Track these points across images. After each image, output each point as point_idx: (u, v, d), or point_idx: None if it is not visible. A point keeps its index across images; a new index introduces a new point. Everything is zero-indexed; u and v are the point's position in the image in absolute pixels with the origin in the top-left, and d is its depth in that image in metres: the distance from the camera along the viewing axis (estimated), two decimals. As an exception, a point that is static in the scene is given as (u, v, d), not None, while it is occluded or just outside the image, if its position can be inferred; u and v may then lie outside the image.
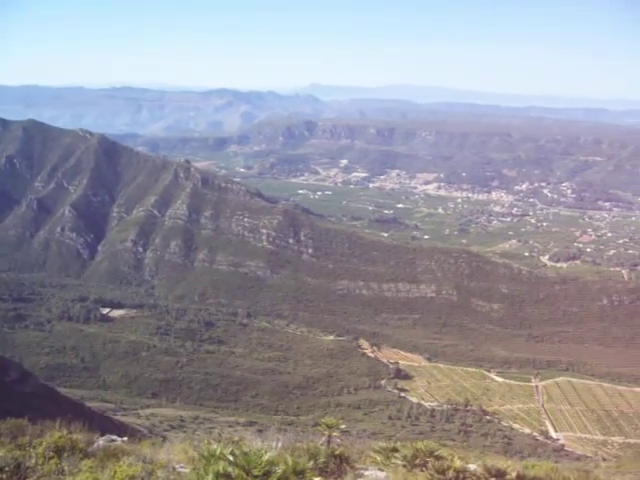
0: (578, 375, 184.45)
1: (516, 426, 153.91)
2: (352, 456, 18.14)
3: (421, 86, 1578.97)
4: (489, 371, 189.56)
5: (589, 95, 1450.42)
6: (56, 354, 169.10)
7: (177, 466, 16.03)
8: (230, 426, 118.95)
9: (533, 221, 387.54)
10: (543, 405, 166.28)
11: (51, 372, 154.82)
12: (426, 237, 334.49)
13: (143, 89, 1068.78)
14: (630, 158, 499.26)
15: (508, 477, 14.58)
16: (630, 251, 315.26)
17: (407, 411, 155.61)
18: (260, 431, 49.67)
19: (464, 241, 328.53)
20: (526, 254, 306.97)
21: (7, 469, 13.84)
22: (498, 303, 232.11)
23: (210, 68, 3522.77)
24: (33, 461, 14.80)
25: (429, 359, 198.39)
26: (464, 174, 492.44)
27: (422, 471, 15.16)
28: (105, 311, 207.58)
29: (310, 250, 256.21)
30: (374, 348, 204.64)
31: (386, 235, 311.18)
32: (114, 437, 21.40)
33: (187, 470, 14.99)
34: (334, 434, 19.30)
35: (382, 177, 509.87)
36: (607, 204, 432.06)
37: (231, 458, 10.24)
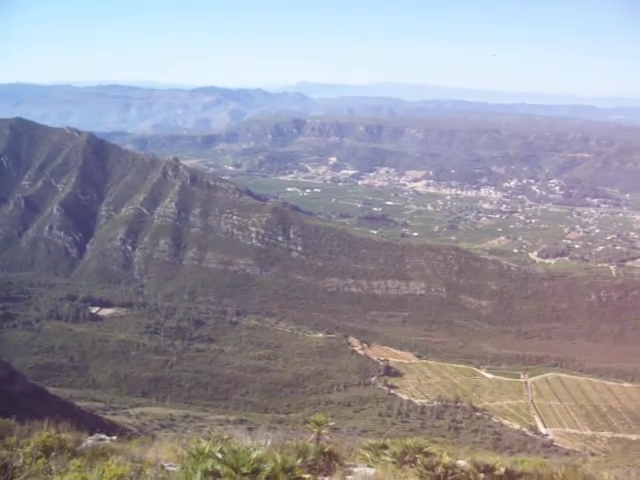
0: (567, 371, 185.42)
1: (506, 422, 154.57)
2: (341, 453, 18.16)
3: (410, 84, 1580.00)
4: (479, 368, 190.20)
5: (577, 92, 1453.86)
6: (45, 353, 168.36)
7: (166, 465, 15.99)
8: (220, 424, 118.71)
9: (522, 218, 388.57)
10: (532, 401, 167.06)
11: (40, 372, 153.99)
12: (415, 234, 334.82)
13: (131, 87, 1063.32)
14: (618, 155, 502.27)
15: (497, 473, 14.62)
16: (618, 247, 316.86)
17: (397, 408, 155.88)
18: (250, 429, 49.64)
19: (453, 238, 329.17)
20: (515, 251, 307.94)
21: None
22: (487, 300, 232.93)
23: (199, 66, 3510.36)
24: (21, 461, 14.72)
25: (419, 356, 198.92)
26: (453, 171, 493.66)
27: (411, 467, 15.19)
28: (94, 310, 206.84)
29: (299, 248, 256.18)
30: (364, 345, 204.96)
31: (375, 232, 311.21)
32: (103, 436, 21.38)
33: (176, 469, 14.93)
34: (323, 431, 19.32)
35: (371, 174, 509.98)
36: (595, 200, 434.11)
37: (220, 456, 10.24)
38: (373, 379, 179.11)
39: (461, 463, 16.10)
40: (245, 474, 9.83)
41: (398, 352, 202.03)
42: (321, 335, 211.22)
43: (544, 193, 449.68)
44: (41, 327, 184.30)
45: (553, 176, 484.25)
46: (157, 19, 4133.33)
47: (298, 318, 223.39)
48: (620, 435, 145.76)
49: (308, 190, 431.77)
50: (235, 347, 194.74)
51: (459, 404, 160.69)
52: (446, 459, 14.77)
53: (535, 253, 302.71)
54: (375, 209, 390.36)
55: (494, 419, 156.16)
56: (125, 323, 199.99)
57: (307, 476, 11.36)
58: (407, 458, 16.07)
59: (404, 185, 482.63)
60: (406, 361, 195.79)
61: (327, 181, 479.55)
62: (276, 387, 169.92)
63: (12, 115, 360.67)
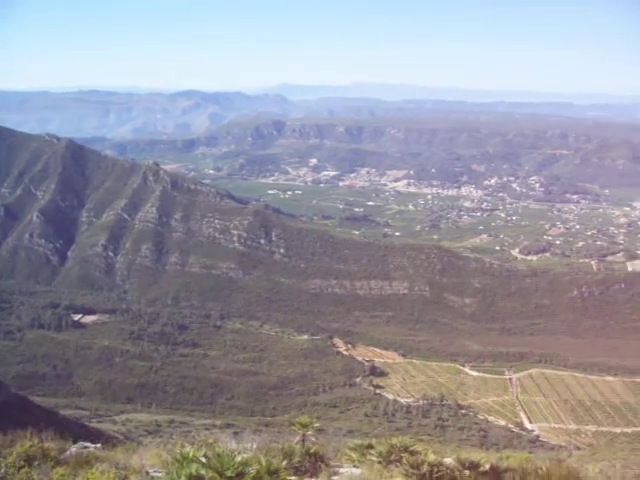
0: (551, 366, 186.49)
1: (491, 419, 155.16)
2: (327, 454, 18.15)
3: (389, 84, 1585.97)
4: (463, 365, 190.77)
5: (555, 90, 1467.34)
6: (27, 363, 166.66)
7: (151, 471, 15.91)
8: (206, 429, 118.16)
9: (503, 215, 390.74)
10: (517, 397, 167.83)
11: (23, 381, 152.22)
12: (397, 234, 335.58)
13: (110, 92, 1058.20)
14: (596, 151, 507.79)
15: (482, 469, 14.68)
16: (598, 242, 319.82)
17: (383, 408, 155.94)
18: (236, 433, 49.52)
19: (435, 237, 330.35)
20: (497, 248, 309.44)
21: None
22: (470, 298, 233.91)
23: (177, 70, 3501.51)
24: (3, 471, 14.60)
25: (404, 355, 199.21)
26: (433, 170, 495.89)
27: (397, 467, 15.20)
28: (77, 317, 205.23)
29: (282, 250, 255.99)
30: (348, 346, 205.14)
31: (357, 233, 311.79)
32: (87, 444, 21.20)
33: (161, 474, 14.86)
34: (309, 433, 19.30)
35: (352, 175, 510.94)
36: (575, 197, 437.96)
37: (204, 460, 10.20)
38: (358, 379, 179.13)
39: (447, 461, 16.13)
40: (230, 478, 9.82)
41: (383, 352, 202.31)
42: (305, 337, 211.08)
43: (524, 190, 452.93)
44: (23, 336, 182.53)
45: (533, 173, 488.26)
46: (135, 24, 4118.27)
47: (282, 320, 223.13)
48: (604, 429, 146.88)
49: (289, 192, 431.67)
50: (220, 351, 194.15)
51: (444, 402, 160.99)
52: (431, 457, 14.81)
53: (517, 250, 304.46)
54: (357, 210, 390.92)
55: (480, 416, 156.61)
56: (108, 330, 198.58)
57: (292, 478, 11.38)
58: (393, 457, 16.07)
59: (385, 185, 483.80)
60: (391, 361, 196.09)
61: (308, 183, 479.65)
62: (262, 390, 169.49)
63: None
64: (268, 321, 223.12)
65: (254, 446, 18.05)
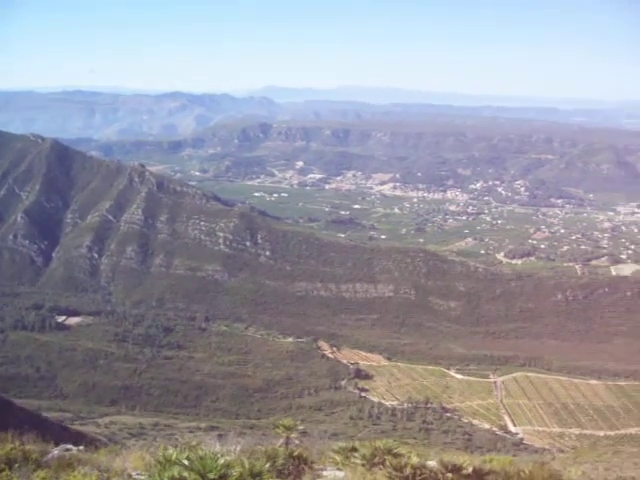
0: (535, 370, 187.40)
1: (476, 422, 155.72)
2: (311, 457, 18.13)
3: (376, 87, 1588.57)
4: (448, 369, 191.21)
5: (540, 95, 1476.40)
6: (10, 364, 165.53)
7: (133, 473, 15.85)
8: (191, 432, 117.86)
9: (488, 219, 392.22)
10: (502, 400, 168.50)
11: (5, 383, 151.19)
12: (383, 237, 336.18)
13: (96, 92, 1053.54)
14: (581, 156, 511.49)
15: (464, 472, 14.71)
16: (583, 247, 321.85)
17: (368, 411, 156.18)
18: (220, 436, 49.40)
19: (421, 240, 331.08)
20: (482, 252, 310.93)
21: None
22: (455, 301, 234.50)
23: (164, 71, 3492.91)
24: (-17, 474, 14.47)
25: (389, 358, 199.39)
26: (419, 174, 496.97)
27: (380, 469, 15.21)
28: (61, 319, 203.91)
29: (267, 252, 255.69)
30: (334, 349, 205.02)
31: (343, 236, 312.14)
32: (69, 446, 21.07)
33: (144, 477, 14.80)
34: (292, 435, 19.29)
35: (338, 178, 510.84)
36: (559, 201, 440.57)
37: (186, 463, 10.15)
38: (343, 382, 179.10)
39: (430, 463, 16.16)
40: (212, 480, 9.77)
41: (368, 355, 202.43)
42: (291, 340, 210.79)
43: (509, 194, 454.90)
44: (6, 337, 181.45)
45: (518, 177, 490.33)
46: (122, 24, 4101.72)
47: (267, 323, 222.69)
48: (588, 431, 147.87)
49: (275, 195, 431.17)
50: (205, 353, 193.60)
51: (429, 405, 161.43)
52: (414, 460, 14.84)
53: (502, 254, 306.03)
54: (343, 213, 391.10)
55: (464, 419, 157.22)
56: (93, 331, 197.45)
57: (275, 480, 11.33)
58: (376, 460, 16.11)
59: (371, 188, 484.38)
60: (376, 364, 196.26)
61: (294, 185, 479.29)
62: (246, 393, 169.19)
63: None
64: (253, 324, 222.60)
65: (238, 449, 17.98)
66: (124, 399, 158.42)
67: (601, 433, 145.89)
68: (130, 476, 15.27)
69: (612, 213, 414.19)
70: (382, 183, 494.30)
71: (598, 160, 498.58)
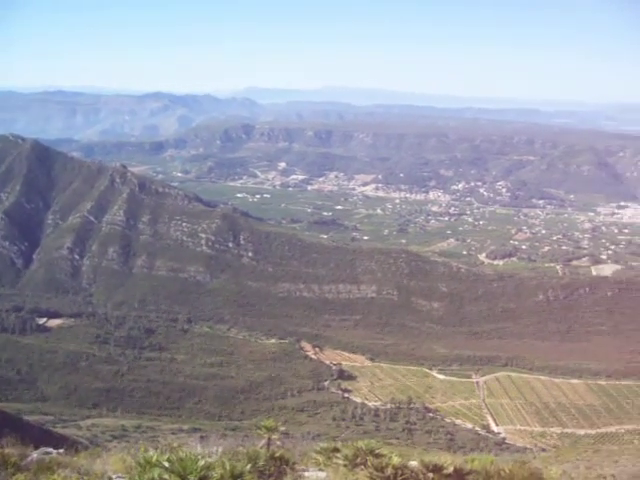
0: (517, 369, 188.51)
1: (458, 422, 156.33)
2: (293, 458, 18.13)
3: (359, 88, 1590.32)
4: (431, 369, 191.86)
5: (521, 97, 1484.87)
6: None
7: (114, 476, 15.77)
8: (173, 433, 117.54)
9: (470, 220, 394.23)
10: (484, 400, 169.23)
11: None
12: (365, 238, 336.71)
13: (77, 93, 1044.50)
14: (562, 157, 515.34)
15: (445, 472, 14.77)
16: (564, 247, 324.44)
17: (351, 411, 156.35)
18: (203, 437, 49.25)
19: (403, 241, 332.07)
20: (464, 252, 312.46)
21: None
22: (438, 301, 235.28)
23: (145, 71, 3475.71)
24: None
25: (372, 359, 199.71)
26: (402, 175, 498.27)
27: (362, 470, 15.24)
28: (42, 321, 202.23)
29: (250, 253, 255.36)
30: (316, 350, 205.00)
31: (326, 237, 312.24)
32: (49, 450, 20.89)
33: (124, 479, 14.73)
34: (274, 437, 19.27)
35: (320, 179, 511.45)
36: (541, 202, 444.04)
37: (167, 465, 10.12)
38: (326, 383, 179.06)
39: (412, 464, 16.21)
40: (192, 482, 9.75)
41: (351, 355, 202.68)
42: (274, 341, 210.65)
43: (491, 195, 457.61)
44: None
45: (500, 178, 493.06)
46: (102, 22, 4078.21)
47: (250, 324, 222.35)
48: (569, 430, 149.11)
49: (258, 196, 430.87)
50: (187, 355, 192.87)
51: (412, 406, 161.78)
52: (395, 460, 14.88)
53: (484, 254, 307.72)
54: (325, 214, 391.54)
55: (447, 419, 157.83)
56: (74, 333, 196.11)
57: (256, 482, 11.32)
58: (358, 460, 16.13)
59: (353, 189, 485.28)
60: (359, 364, 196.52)
61: (277, 186, 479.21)
62: (229, 394, 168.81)
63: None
64: (236, 325, 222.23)
65: (220, 450, 17.96)
66: (106, 401, 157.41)
67: (582, 432, 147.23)
68: (110, 479, 15.20)
69: (592, 214, 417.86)
70: (364, 184, 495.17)
71: (579, 161, 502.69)
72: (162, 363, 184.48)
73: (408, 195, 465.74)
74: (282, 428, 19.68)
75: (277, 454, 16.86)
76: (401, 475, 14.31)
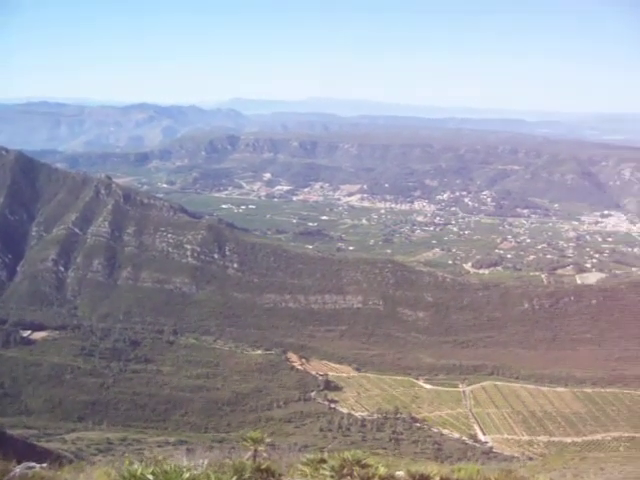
0: (503, 378, 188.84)
1: (445, 431, 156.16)
2: (280, 469, 18.00)
3: (343, 99, 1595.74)
4: (417, 379, 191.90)
5: (507, 107, 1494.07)
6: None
7: (98, 489, 15.59)
8: (159, 446, 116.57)
9: (455, 229, 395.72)
10: (471, 409, 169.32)
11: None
12: (351, 248, 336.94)
13: (61, 104, 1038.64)
14: (546, 166, 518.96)
15: (432, 481, 14.74)
16: (548, 256, 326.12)
17: (338, 422, 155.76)
18: (189, 450, 48.97)
19: (389, 251, 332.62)
20: (449, 262, 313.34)
21: None
22: (424, 311, 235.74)
23: (130, 82, 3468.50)
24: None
25: (358, 369, 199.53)
26: (387, 185, 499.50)
27: (348, 480, 15.16)
28: (26, 333, 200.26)
29: (235, 265, 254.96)
30: (303, 361, 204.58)
31: (311, 247, 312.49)
32: (32, 464, 20.64)
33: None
34: (260, 448, 19.14)
35: (306, 190, 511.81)
36: (525, 211, 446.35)
37: (151, 478, 10.03)
38: (313, 394, 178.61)
39: (398, 474, 16.17)
40: (177, 495, 9.66)
41: (337, 366, 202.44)
42: (260, 352, 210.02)
43: (476, 205, 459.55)
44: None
45: (485, 188, 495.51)
46: (87, 35, 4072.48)
47: (236, 335, 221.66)
48: (556, 439, 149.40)
49: (243, 207, 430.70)
50: (173, 367, 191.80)
51: (399, 416, 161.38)
52: (382, 470, 14.81)
53: (469, 264, 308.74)
54: (310, 224, 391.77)
55: (434, 429, 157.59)
56: (58, 346, 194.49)
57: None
58: (345, 471, 16.03)
59: (339, 200, 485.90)
60: (345, 375, 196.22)
61: (262, 197, 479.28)
62: (215, 406, 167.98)
63: None
64: (222, 336, 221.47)
65: (205, 462, 17.82)
66: (91, 414, 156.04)
67: (569, 440, 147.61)
68: (95, 492, 15.04)
69: (577, 222, 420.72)
70: (350, 194, 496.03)
71: (562, 170, 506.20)
72: (148, 375, 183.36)
73: (393, 205, 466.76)
74: (268, 440, 19.53)
75: (263, 466, 16.73)
76: (388, 485, 14.26)
